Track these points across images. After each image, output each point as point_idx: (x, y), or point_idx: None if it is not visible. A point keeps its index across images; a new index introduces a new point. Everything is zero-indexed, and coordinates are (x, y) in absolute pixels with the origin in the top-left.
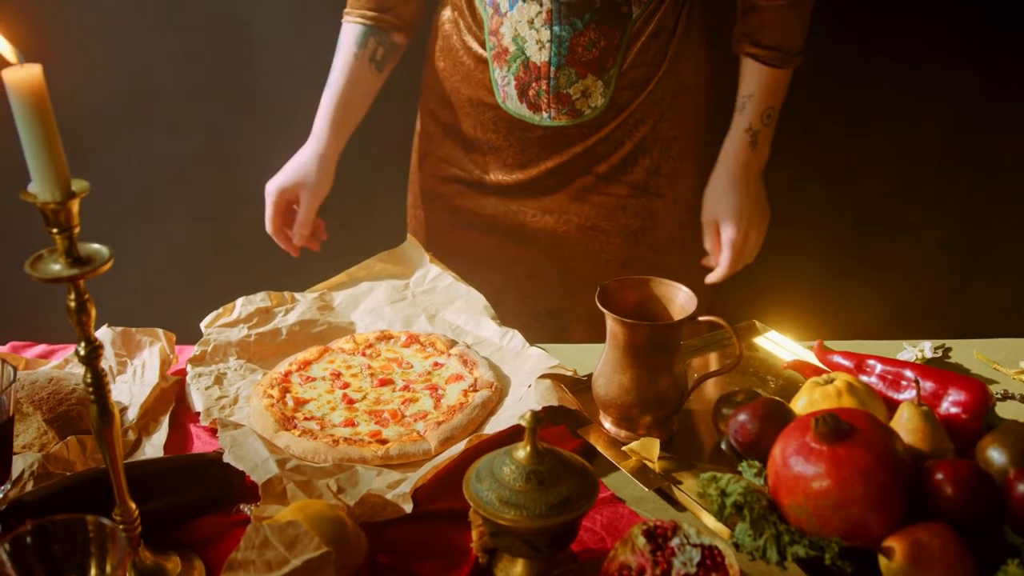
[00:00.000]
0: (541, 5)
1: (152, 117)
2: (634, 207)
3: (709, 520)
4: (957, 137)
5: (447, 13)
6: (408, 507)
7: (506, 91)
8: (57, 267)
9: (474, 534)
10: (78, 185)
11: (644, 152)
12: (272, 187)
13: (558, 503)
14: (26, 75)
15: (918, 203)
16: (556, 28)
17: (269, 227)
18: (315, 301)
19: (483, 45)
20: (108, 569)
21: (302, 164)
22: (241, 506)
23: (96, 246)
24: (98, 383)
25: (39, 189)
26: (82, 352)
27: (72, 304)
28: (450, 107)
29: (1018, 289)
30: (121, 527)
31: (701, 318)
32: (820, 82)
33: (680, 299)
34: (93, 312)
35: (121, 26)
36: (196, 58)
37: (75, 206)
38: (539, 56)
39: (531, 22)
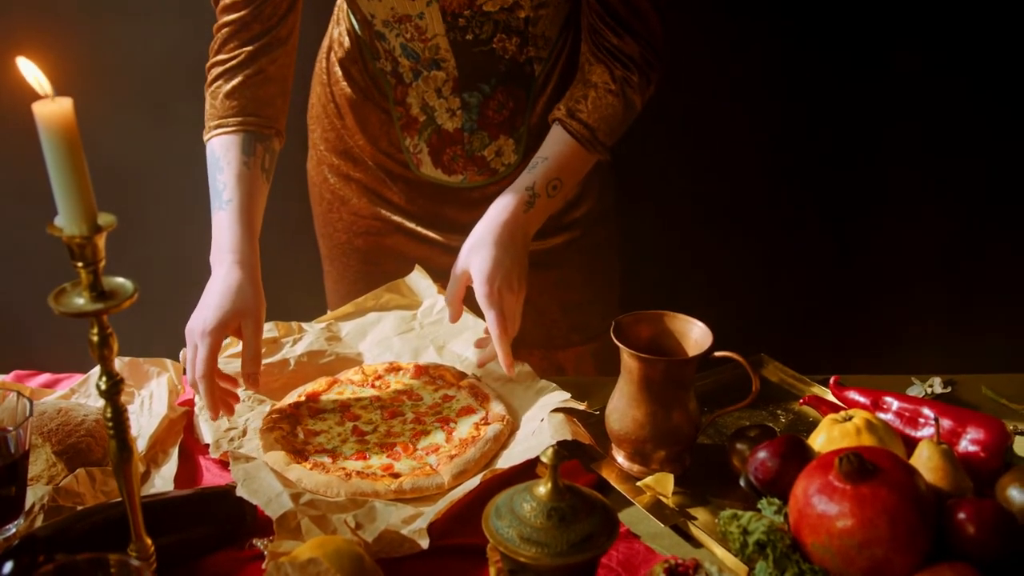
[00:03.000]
0: (447, 74)
1: (171, 143)
2: (555, 229)
3: (726, 557)
4: (962, 170)
5: (336, 73)
6: (424, 543)
7: (419, 158)
8: (81, 301)
9: (492, 570)
10: (104, 219)
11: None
12: (206, 326)
13: (579, 541)
14: (57, 109)
15: (919, 237)
16: (465, 95)
17: (203, 371)
18: (323, 332)
19: (386, 111)
20: None
21: (234, 290)
22: (254, 541)
23: (120, 280)
24: (118, 418)
25: (65, 223)
26: (103, 387)
27: (95, 338)
28: (353, 160)
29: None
30: (136, 564)
31: (717, 353)
32: (822, 117)
33: (695, 334)
34: (115, 346)
35: (144, 56)
36: None
37: (101, 240)
38: (451, 123)
39: (438, 91)
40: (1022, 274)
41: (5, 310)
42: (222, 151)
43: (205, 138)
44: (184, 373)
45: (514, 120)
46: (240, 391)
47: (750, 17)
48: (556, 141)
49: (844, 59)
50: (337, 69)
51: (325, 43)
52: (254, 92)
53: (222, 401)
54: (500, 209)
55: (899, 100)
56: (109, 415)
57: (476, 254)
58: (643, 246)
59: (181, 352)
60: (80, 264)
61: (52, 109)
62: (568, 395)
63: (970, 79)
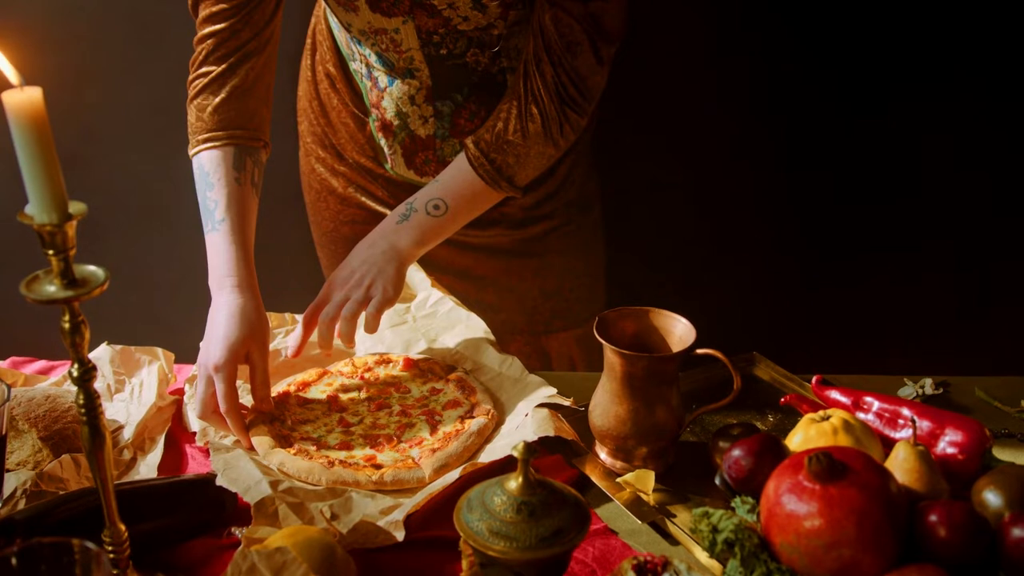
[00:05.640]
0: (420, 83)
1: (156, 133)
2: (534, 218)
3: (702, 555)
4: (960, 172)
5: (319, 72)
6: (400, 535)
7: (393, 159)
8: (52, 288)
9: (464, 564)
10: (75, 208)
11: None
12: (216, 361)
13: (549, 535)
14: (26, 98)
15: (922, 234)
16: (437, 103)
17: (228, 407)
18: None
19: (364, 112)
20: None
21: (238, 316)
22: (232, 529)
23: (92, 268)
24: (90, 405)
25: (36, 211)
26: (75, 373)
27: (66, 325)
28: (337, 155)
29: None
30: (110, 549)
31: (699, 351)
32: (818, 114)
33: (679, 331)
34: (87, 334)
35: (124, 44)
36: None
37: (71, 229)
38: (423, 130)
39: (411, 98)
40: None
41: (3, 296)
42: (211, 167)
43: (191, 152)
44: (188, 411)
45: None
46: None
47: (735, 10)
48: (454, 165)
49: (834, 54)
50: (319, 68)
51: (308, 41)
52: (241, 104)
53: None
54: (383, 220)
55: (894, 94)
56: (82, 402)
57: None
58: (641, 241)
59: (190, 380)
60: (51, 252)
61: (22, 99)
62: (555, 390)
63: (964, 76)
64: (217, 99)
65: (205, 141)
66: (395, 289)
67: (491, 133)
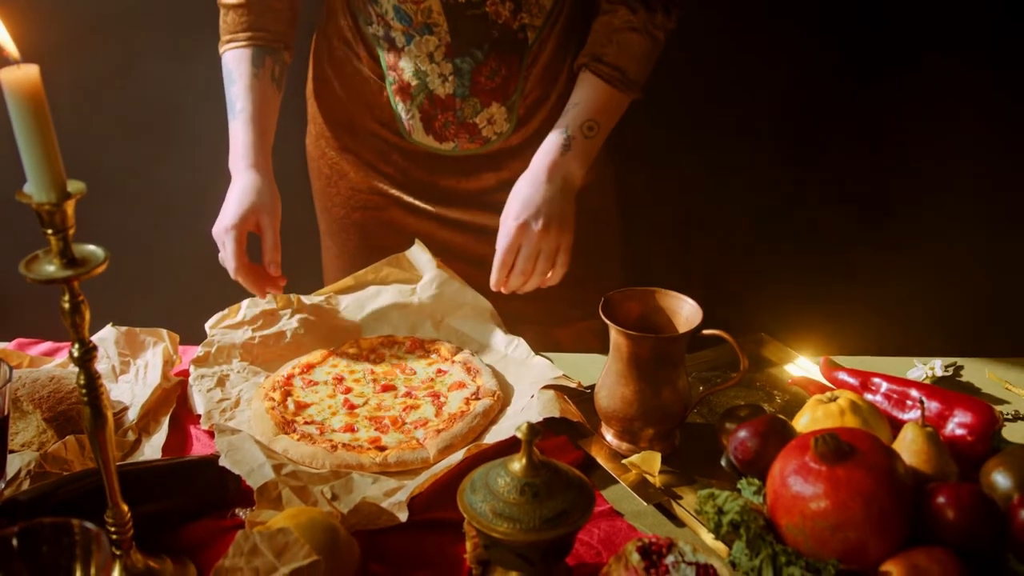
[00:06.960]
0: (440, 39)
1: (158, 116)
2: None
3: (707, 537)
4: (973, 152)
5: (335, 42)
6: (403, 516)
7: (411, 124)
8: (51, 268)
9: (468, 545)
10: (74, 186)
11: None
12: (227, 223)
13: (552, 517)
14: (23, 75)
15: (934, 216)
16: (457, 60)
17: (235, 265)
18: (321, 304)
19: (380, 77)
20: (92, 572)
21: (250, 190)
22: (236, 510)
23: (91, 247)
24: (91, 385)
25: (34, 190)
26: (76, 354)
27: (66, 305)
28: (350, 132)
29: None
30: (112, 530)
31: (705, 331)
32: (830, 97)
33: (685, 311)
34: (87, 314)
35: (128, 29)
36: (198, 58)
37: (70, 207)
38: (443, 89)
39: (431, 56)
40: None
41: (10, 278)
42: (234, 64)
43: (220, 51)
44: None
45: (507, 87)
46: (235, 362)
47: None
48: (585, 86)
49: (848, 40)
50: (334, 39)
51: (322, 16)
52: (263, 7)
53: (268, 282)
54: (538, 156)
55: (903, 81)
56: (83, 382)
57: (514, 197)
58: (650, 224)
59: (219, 256)
60: (50, 231)
61: (18, 76)
62: (561, 371)
63: (981, 59)
64: (241, 2)
65: (229, 42)
66: (572, 231)
67: (610, 47)
